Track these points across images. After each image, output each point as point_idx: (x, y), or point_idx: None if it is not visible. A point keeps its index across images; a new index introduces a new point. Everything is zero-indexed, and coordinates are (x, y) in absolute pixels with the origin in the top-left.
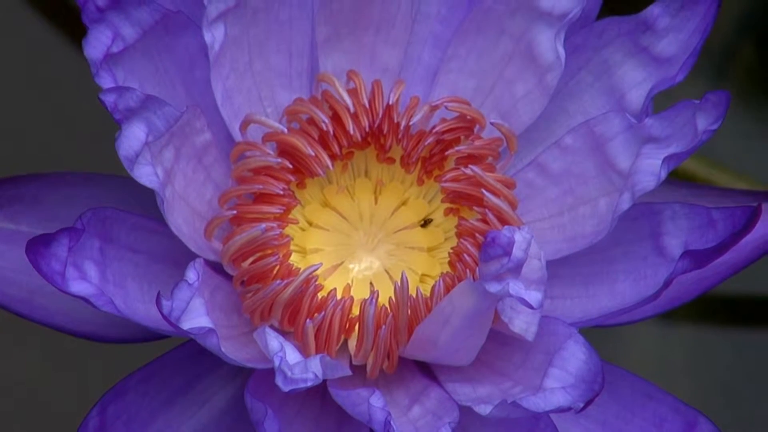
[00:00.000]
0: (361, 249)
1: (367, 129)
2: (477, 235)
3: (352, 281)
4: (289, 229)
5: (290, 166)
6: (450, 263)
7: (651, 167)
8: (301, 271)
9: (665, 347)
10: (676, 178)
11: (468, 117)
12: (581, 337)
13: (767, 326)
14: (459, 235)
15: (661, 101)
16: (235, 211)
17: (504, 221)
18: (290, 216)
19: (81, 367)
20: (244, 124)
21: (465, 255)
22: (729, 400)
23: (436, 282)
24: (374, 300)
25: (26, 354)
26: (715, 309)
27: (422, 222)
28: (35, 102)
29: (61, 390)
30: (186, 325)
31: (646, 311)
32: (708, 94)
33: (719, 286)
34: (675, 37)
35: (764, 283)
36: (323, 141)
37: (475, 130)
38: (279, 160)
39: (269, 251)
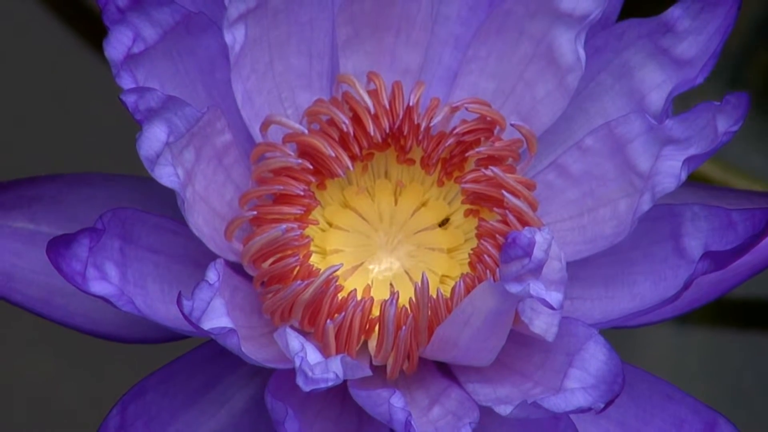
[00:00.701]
0: (381, 250)
1: (388, 130)
2: (497, 236)
3: (372, 282)
4: (310, 230)
5: (310, 167)
6: (470, 264)
7: (671, 169)
8: (321, 271)
9: (680, 350)
10: (693, 181)
11: (488, 118)
12: (601, 337)
13: None
14: (479, 236)
15: (676, 104)
16: (255, 212)
17: (524, 222)
18: (310, 217)
19: (98, 368)
20: (265, 125)
21: (485, 256)
22: (743, 403)
23: (456, 283)
24: (395, 301)
25: (43, 354)
26: (730, 312)
27: (441, 222)
28: (55, 103)
29: (79, 391)
30: (207, 325)
31: (665, 312)
32: (728, 96)
33: (734, 289)
34: (695, 39)
35: None
36: (343, 142)
37: (495, 131)
38: (299, 161)
39: (289, 252)
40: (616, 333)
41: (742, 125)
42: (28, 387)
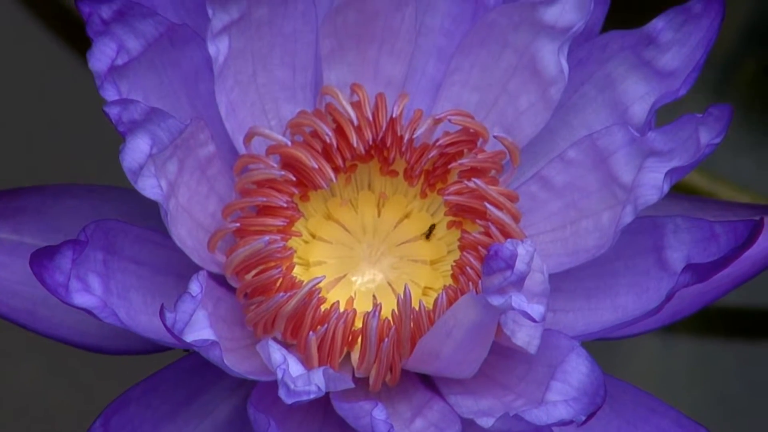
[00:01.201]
0: (364, 262)
1: (371, 142)
2: (480, 248)
3: (355, 294)
4: (293, 242)
5: (294, 179)
6: (453, 276)
7: (654, 181)
8: (304, 283)
9: (666, 360)
10: (678, 191)
11: (471, 130)
12: (583, 350)
13: (767, 339)
14: (462, 248)
15: (663, 114)
16: (238, 224)
17: (507, 234)
18: (293, 228)
19: (82, 379)
20: (248, 137)
21: (468, 268)
22: (729, 412)
23: (438, 295)
24: (377, 313)
25: (27, 366)
26: (716, 322)
27: (426, 233)
28: (39, 114)
29: (63, 402)
30: (189, 337)
31: (648, 324)
32: (711, 108)
33: (720, 299)
34: (678, 51)
35: (764, 296)
36: (327, 154)
37: (479, 143)
38: (282, 172)
39: (272, 264)
40: (601, 343)
41: (729, 135)
42: (12, 397)
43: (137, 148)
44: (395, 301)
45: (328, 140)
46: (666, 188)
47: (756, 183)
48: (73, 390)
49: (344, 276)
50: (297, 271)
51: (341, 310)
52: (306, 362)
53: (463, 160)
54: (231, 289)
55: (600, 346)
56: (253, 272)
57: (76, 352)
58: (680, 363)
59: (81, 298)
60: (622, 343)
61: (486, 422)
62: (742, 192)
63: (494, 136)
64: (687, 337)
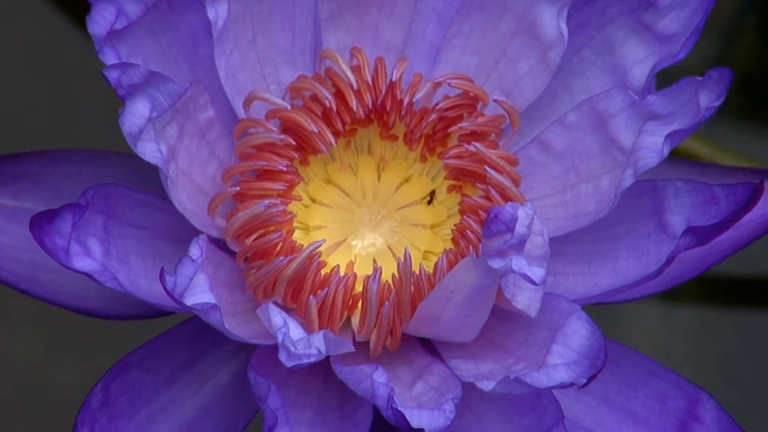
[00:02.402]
0: (364, 226)
1: (370, 106)
2: (480, 211)
3: (355, 258)
4: (293, 206)
5: (293, 143)
6: (453, 240)
7: (654, 144)
8: (304, 247)
9: (667, 329)
10: (679, 158)
11: (471, 94)
12: (584, 313)
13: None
14: (462, 212)
15: (662, 80)
16: (238, 188)
17: (507, 198)
18: (293, 193)
19: (81, 345)
20: (248, 101)
21: (468, 231)
22: (729, 380)
23: (439, 258)
24: (377, 276)
25: (26, 333)
26: (717, 290)
27: (428, 198)
28: (38, 79)
29: (61, 369)
30: (189, 300)
31: (648, 288)
32: (710, 71)
33: (721, 266)
34: (677, 15)
35: (765, 263)
36: (326, 118)
37: (478, 107)
38: (282, 136)
39: (272, 228)
40: (601, 312)
41: (729, 103)
42: (12, 371)
43: (137, 112)
44: (395, 265)
45: (327, 104)
46: (666, 151)
47: (756, 150)
48: (73, 362)
49: (344, 240)
50: (297, 236)
51: (341, 274)
52: (306, 326)
53: (463, 124)
54: (231, 254)
55: (600, 315)
56: (253, 236)
57: (76, 325)
58: (680, 331)
59: (81, 262)
60: (623, 312)
61: (486, 385)
62: (742, 159)
63: (494, 100)
64: (687, 306)
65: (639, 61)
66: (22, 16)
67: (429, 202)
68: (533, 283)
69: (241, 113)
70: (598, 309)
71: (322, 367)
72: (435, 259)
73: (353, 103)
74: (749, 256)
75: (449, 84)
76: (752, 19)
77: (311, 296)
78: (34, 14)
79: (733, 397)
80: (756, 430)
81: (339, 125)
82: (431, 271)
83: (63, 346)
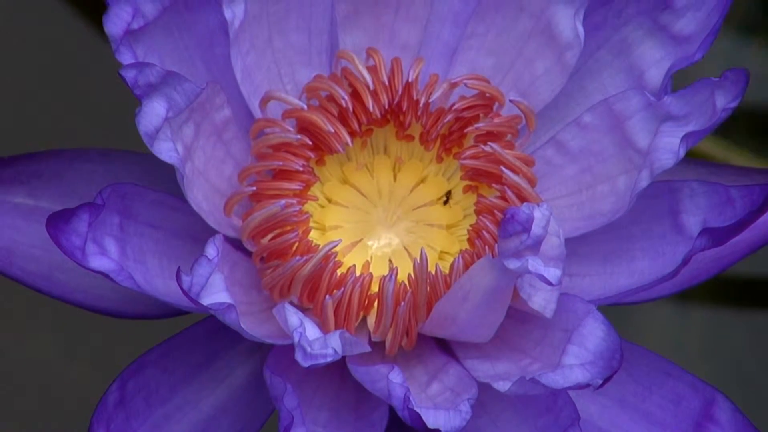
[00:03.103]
0: (380, 226)
1: (387, 106)
2: (496, 212)
3: (371, 258)
4: (309, 206)
5: (310, 143)
6: (469, 240)
7: (670, 145)
8: (320, 247)
9: (680, 329)
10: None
11: (487, 94)
12: (600, 314)
13: None
14: (478, 212)
15: (678, 80)
16: (254, 188)
17: (523, 198)
18: (309, 193)
19: (97, 345)
20: (264, 101)
21: (484, 232)
22: (743, 381)
23: (455, 259)
24: (393, 277)
25: (41, 332)
26: (731, 291)
27: (444, 198)
28: (55, 78)
29: (77, 368)
30: (206, 300)
31: (664, 289)
32: (726, 72)
33: (735, 267)
34: (694, 16)
35: None
36: (342, 118)
37: (494, 107)
38: (298, 136)
39: (288, 228)
40: (614, 313)
41: (744, 103)
42: (23, 370)
43: (153, 112)
44: (411, 265)
45: (344, 104)
46: (682, 153)
47: None
48: (89, 362)
49: (360, 240)
50: (313, 236)
51: (357, 274)
52: (322, 326)
53: (479, 125)
54: (247, 253)
55: (613, 316)
56: (269, 236)
57: (89, 324)
58: (694, 332)
59: (97, 262)
60: (636, 313)
61: (502, 386)
62: (757, 160)
63: (510, 101)
64: (701, 307)
65: (655, 61)
66: (37, 15)
67: (445, 203)
68: (549, 283)
69: (258, 113)
70: (613, 310)
71: (338, 368)
72: (451, 259)
73: (369, 103)
74: (763, 257)
75: (465, 84)
76: (766, 20)
77: (327, 296)
78: (49, 13)
79: (747, 397)
80: None
81: (355, 125)
82: (447, 272)
83: (79, 346)
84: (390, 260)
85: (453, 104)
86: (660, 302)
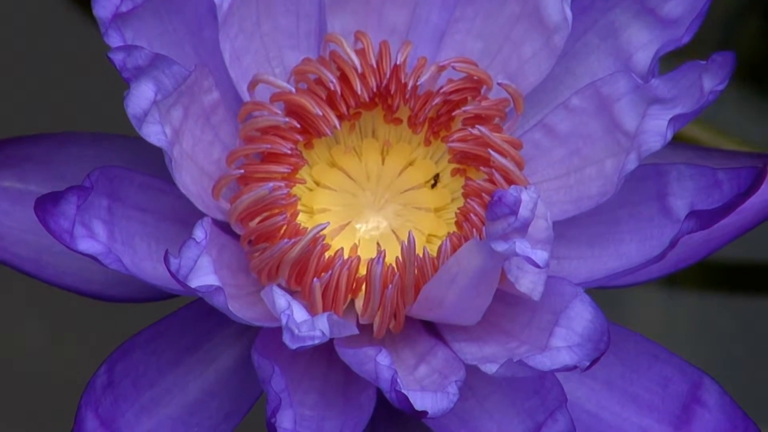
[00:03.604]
0: (368, 209)
1: (375, 89)
2: (484, 195)
3: (359, 241)
4: (297, 189)
5: (298, 126)
6: (457, 223)
7: (657, 128)
8: (308, 230)
9: (668, 313)
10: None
11: (475, 78)
12: (587, 296)
13: None
14: (466, 195)
15: (666, 67)
16: (242, 171)
17: (510, 181)
18: (298, 176)
19: (83, 329)
20: (252, 84)
21: (472, 215)
22: (730, 365)
23: (442, 242)
24: (381, 259)
25: (28, 318)
26: (718, 276)
27: (432, 182)
28: (43, 62)
29: (64, 352)
30: (194, 283)
31: (651, 272)
32: (714, 55)
33: (722, 252)
34: None
35: (766, 250)
36: (331, 101)
37: (482, 91)
38: (287, 119)
39: (276, 211)
40: (603, 298)
41: (732, 90)
42: (18, 360)
43: (142, 95)
44: (399, 248)
45: (332, 87)
46: (669, 135)
47: (758, 138)
48: (77, 347)
49: (348, 223)
50: (301, 218)
51: (345, 257)
52: (310, 309)
53: (467, 108)
54: (235, 237)
55: (602, 300)
56: (258, 219)
57: (80, 309)
58: (682, 317)
59: (85, 244)
60: (625, 297)
61: (490, 368)
62: (745, 145)
63: (498, 84)
64: (689, 292)
65: (643, 45)
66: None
67: (433, 186)
68: (537, 266)
69: (246, 96)
70: (600, 294)
71: (326, 350)
72: (438, 242)
73: (357, 86)
74: (750, 242)
75: (453, 67)
76: (754, 6)
77: (315, 279)
78: None
79: (734, 381)
80: (756, 415)
81: (343, 108)
82: (435, 255)
83: (65, 330)
84: (378, 243)
85: (441, 87)
86: (648, 286)
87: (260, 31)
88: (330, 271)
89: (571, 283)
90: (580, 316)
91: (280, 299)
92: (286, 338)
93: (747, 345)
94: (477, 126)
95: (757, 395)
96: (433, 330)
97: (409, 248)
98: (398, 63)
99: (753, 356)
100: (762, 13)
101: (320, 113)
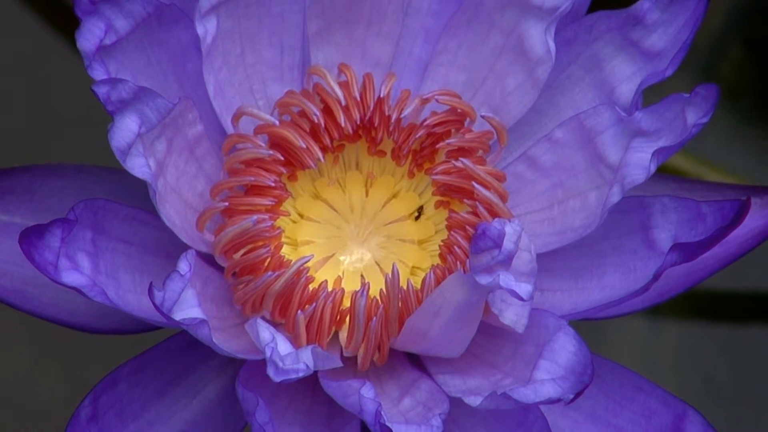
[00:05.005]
0: (352, 241)
1: (359, 122)
2: (467, 227)
3: (343, 273)
4: (281, 221)
5: (282, 159)
6: (440, 256)
7: (640, 161)
8: (292, 263)
9: (652, 343)
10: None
11: (458, 110)
12: (571, 329)
13: (753, 322)
14: (449, 227)
15: (648, 98)
16: (226, 203)
17: (494, 214)
18: (282, 208)
19: (67, 360)
20: (236, 117)
21: (455, 247)
22: (715, 396)
23: (426, 274)
24: (365, 292)
25: (10, 347)
26: (702, 305)
27: (416, 214)
28: (27, 94)
29: (49, 383)
30: (178, 315)
31: (635, 304)
32: (698, 88)
33: (706, 281)
34: (665, 32)
35: (750, 279)
36: (314, 133)
37: (466, 123)
38: (271, 152)
39: (260, 243)
40: (587, 328)
41: (715, 120)
42: (2, 384)
43: (126, 128)
44: (383, 280)
45: (316, 120)
46: (653, 168)
47: (741, 167)
48: (61, 378)
49: (332, 255)
50: (285, 251)
51: (329, 289)
52: (294, 341)
53: (451, 140)
54: (219, 269)
55: (586, 331)
56: (242, 251)
57: (64, 338)
58: (666, 347)
59: (70, 277)
60: (608, 328)
61: (474, 401)
62: (728, 176)
63: (482, 116)
64: (673, 321)
65: (626, 77)
66: (8, 29)
67: (417, 218)
68: (520, 298)
69: (230, 129)
70: (584, 325)
71: (310, 382)
72: (422, 274)
73: (341, 118)
74: (734, 272)
75: (437, 100)
76: (737, 35)
77: (299, 311)
78: (19, 27)
79: (718, 412)
80: None
81: (327, 141)
82: (419, 287)
83: (51, 360)
84: (362, 275)
85: (425, 120)
86: (632, 317)
87: (244, 63)
88: (314, 304)
89: (555, 315)
90: (564, 349)
91: (264, 332)
92: (271, 371)
93: (730, 373)
94: (461, 158)
95: (742, 423)
96: (417, 362)
97: (393, 281)
98: (382, 95)
99: (736, 384)
100: (743, 42)
101: (304, 145)
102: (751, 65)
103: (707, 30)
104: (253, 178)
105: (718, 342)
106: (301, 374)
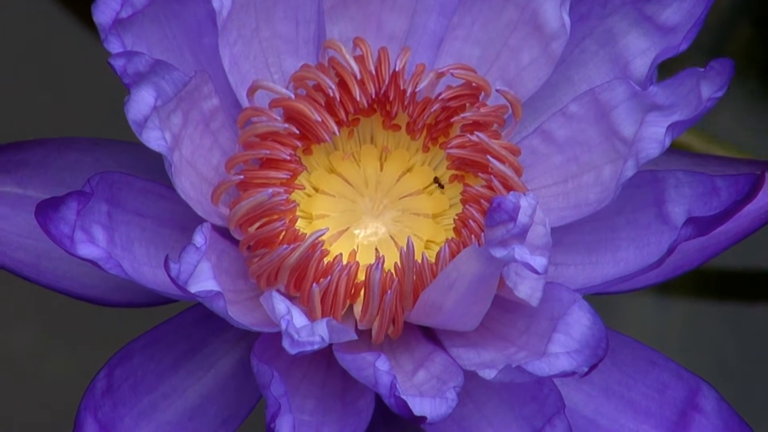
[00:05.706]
0: (366, 215)
1: (374, 96)
2: (482, 201)
3: (357, 247)
4: (296, 195)
5: (297, 132)
6: (455, 229)
7: (655, 135)
8: (307, 236)
9: (661, 321)
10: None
11: (473, 84)
12: (585, 302)
13: (762, 301)
14: (464, 201)
15: (662, 74)
16: (242, 176)
17: (509, 188)
18: (297, 182)
19: (78, 334)
20: (251, 90)
21: (470, 221)
22: (723, 372)
23: (441, 248)
24: (380, 265)
25: (21, 321)
26: (711, 283)
27: (437, 184)
28: (43, 68)
29: (60, 358)
30: (193, 288)
31: (649, 278)
32: (712, 62)
33: (716, 259)
34: (679, 6)
35: (760, 257)
36: (329, 107)
37: (481, 97)
38: (286, 125)
39: (276, 216)
40: (597, 304)
41: (724, 98)
42: (8, 362)
43: (142, 100)
44: (398, 254)
45: (331, 94)
46: (667, 142)
47: (750, 145)
48: (73, 352)
49: (347, 229)
50: (300, 224)
51: (344, 262)
52: (309, 314)
53: (466, 114)
54: (234, 242)
55: (596, 306)
56: (257, 225)
57: (77, 315)
58: (674, 324)
59: (86, 249)
60: (618, 304)
61: (488, 374)
62: (738, 153)
63: (496, 90)
64: (681, 299)
65: (641, 52)
66: (24, 5)
67: (440, 186)
68: (535, 272)
69: (245, 102)
70: (594, 300)
71: (325, 355)
72: (437, 248)
73: (356, 92)
74: (743, 249)
75: (452, 74)
76: (746, 14)
77: (314, 284)
78: (36, 3)
79: (727, 388)
80: (749, 422)
81: (342, 115)
82: (433, 261)
83: (59, 335)
84: (376, 249)
85: (439, 94)
86: (641, 293)
87: (259, 37)
88: (329, 277)
89: (569, 289)
90: (579, 322)
91: (280, 304)
92: (286, 343)
93: (739, 351)
94: (475, 132)
95: (750, 402)
96: (431, 336)
97: (407, 254)
98: (397, 69)
99: (745, 363)
100: (753, 20)
101: (319, 119)
102: (760, 43)
103: (716, 8)
104: (268, 152)
105: (726, 320)
106: (316, 347)
